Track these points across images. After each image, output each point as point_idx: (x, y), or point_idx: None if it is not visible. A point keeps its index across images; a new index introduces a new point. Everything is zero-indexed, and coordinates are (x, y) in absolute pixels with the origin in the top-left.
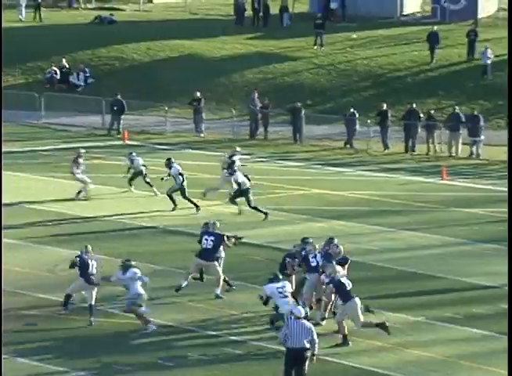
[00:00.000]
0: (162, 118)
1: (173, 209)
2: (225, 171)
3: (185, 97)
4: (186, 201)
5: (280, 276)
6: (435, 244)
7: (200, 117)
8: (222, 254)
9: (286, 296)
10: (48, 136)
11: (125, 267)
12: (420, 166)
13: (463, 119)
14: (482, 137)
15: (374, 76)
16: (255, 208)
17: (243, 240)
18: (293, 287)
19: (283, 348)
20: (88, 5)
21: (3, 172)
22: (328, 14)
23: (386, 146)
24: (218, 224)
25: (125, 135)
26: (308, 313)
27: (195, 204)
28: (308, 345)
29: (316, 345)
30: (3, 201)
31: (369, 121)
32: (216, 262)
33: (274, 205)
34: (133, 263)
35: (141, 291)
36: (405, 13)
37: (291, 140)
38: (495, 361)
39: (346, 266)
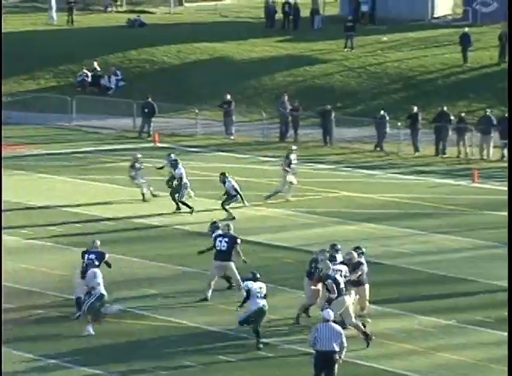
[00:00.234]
0: (192, 121)
1: (191, 212)
2: (283, 169)
3: (215, 100)
4: (173, 201)
5: (258, 276)
6: (466, 247)
7: (230, 120)
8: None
9: (261, 297)
10: (79, 139)
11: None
12: (450, 169)
13: (495, 122)
14: None
15: (405, 78)
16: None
17: (275, 243)
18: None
19: (313, 351)
20: (119, 8)
21: (35, 175)
22: (359, 17)
23: (416, 149)
24: (231, 226)
25: (156, 138)
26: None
27: (177, 207)
28: (337, 348)
29: (344, 349)
30: (36, 203)
31: (399, 124)
32: (233, 263)
33: (304, 208)
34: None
35: (103, 291)
36: (436, 16)
37: (321, 143)
38: None
39: (359, 271)
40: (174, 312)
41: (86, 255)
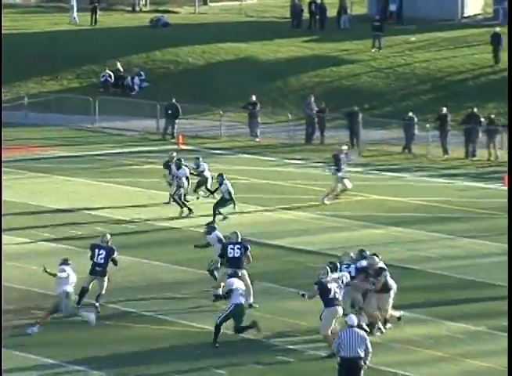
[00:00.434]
0: (217, 122)
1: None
2: (334, 169)
3: (240, 101)
4: (174, 202)
5: (240, 274)
6: (495, 251)
7: (256, 122)
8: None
9: (242, 294)
10: (101, 140)
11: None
12: (480, 172)
13: None
14: None
15: (433, 79)
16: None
17: (299, 247)
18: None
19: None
20: (144, 8)
21: (57, 177)
22: (387, 16)
23: (445, 151)
24: (239, 234)
25: (180, 140)
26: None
27: (182, 207)
28: (362, 354)
29: (370, 354)
30: (56, 206)
31: (428, 126)
32: (245, 270)
33: (332, 211)
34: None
35: (69, 289)
36: (466, 15)
37: (348, 145)
38: None
39: (382, 277)
40: (198, 317)
41: (96, 250)
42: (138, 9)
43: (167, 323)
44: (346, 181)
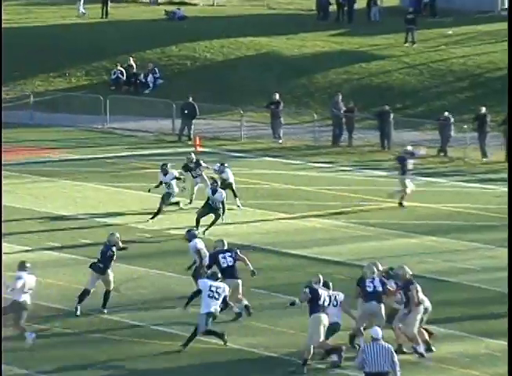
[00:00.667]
0: (237, 123)
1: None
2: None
3: (262, 100)
4: (158, 208)
5: (219, 276)
6: None
7: (278, 122)
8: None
9: (215, 298)
10: (113, 142)
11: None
12: None
13: None
14: None
15: (471, 76)
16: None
17: (324, 257)
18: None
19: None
20: (159, 0)
21: (64, 182)
22: (421, 8)
23: (484, 154)
24: (225, 242)
25: (197, 142)
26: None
27: (155, 214)
28: (388, 369)
29: (397, 368)
30: (64, 213)
31: (465, 127)
32: (240, 280)
33: (359, 219)
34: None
35: (24, 298)
36: (505, 7)
37: (378, 147)
38: None
39: (413, 289)
40: None
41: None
42: (153, 0)
43: (181, 339)
44: (410, 183)
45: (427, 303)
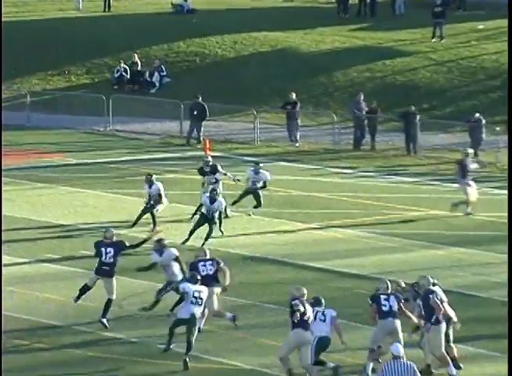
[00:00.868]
0: (250, 125)
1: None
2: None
3: (277, 100)
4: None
5: (199, 277)
6: None
7: (295, 124)
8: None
9: (198, 303)
10: (116, 146)
11: None
12: None
13: None
14: None
15: (505, 74)
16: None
17: (345, 270)
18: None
19: None
20: None
21: (64, 189)
22: (449, 0)
23: None
24: (208, 252)
25: (207, 145)
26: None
27: (134, 223)
28: None
29: None
30: (63, 222)
31: (497, 129)
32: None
33: (383, 229)
34: None
35: None
36: None
37: (404, 151)
38: None
39: (434, 302)
40: (227, 353)
41: (103, 249)
42: None
43: (191, 359)
44: (472, 190)
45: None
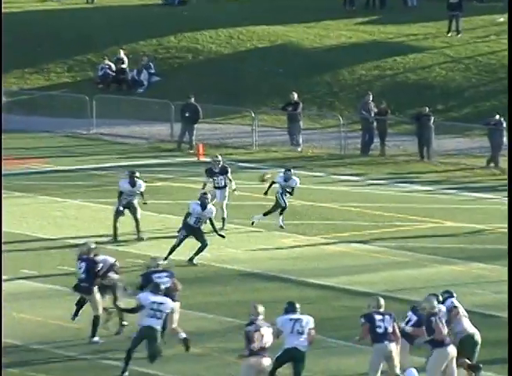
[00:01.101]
0: (247, 127)
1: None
2: None
3: (277, 100)
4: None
5: (162, 288)
6: None
7: (297, 127)
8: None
9: (156, 317)
10: (100, 151)
11: None
12: None
13: None
14: None
15: None
16: None
17: (353, 288)
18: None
19: None
20: None
21: (43, 198)
22: None
23: None
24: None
25: (200, 150)
26: None
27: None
28: None
29: None
30: (44, 235)
31: None
32: (178, 303)
33: (395, 242)
34: None
35: None
36: None
37: (416, 157)
38: None
39: (433, 323)
40: None
41: (77, 263)
42: None
43: None
44: None
45: (477, 336)
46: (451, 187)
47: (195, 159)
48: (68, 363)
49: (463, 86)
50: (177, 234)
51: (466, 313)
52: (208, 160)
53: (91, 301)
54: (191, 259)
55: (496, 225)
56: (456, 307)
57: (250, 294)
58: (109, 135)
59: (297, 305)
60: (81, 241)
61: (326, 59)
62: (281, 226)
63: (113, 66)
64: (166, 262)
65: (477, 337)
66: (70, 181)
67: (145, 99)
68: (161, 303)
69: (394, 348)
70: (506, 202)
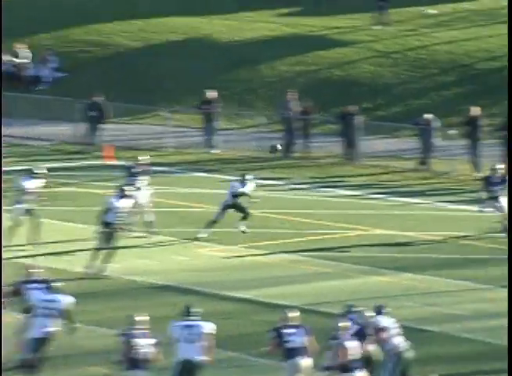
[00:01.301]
0: (159, 128)
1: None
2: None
3: (192, 98)
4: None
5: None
6: None
7: (213, 127)
8: None
9: (50, 315)
10: None
11: None
12: None
13: None
14: None
15: (460, 68)
16: None
17: (275, 301)
18: None
19: None
20: None
21: None
22: None
23: (477, 168)
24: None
25: (107, 152)
26: None
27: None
28: None
29: None
30: None
31: (452, 133)
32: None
33: (317, 252)
34: None
35: None
36: None
37: (342, 159)
38: None
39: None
40: None
41: (26, 285)
42: None
43: None
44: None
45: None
46: (379, 192)
47: (101, 161)
48: None
49: (392, 83)
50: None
51: (397, 328)
52: (117, 162)
53: None
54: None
55: (427, 232)
56: (381, 329)
57: (163, 308)
58: (7, 137)
59: (195, 310)
60: None
61: (245, 54)
62: (243, 231)
63: (10, 61)
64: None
65: (409, 354)
66: None
67: (46, 97)
68: (54, 300)
69: (308, 363)
70: (438, 207)
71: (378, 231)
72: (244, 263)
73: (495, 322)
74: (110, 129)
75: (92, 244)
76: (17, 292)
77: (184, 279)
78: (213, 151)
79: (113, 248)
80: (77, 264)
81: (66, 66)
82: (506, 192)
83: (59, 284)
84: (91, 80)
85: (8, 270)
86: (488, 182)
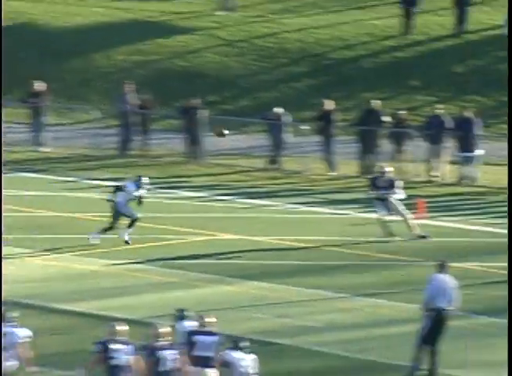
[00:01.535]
0: None
1: None
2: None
3: (17, 91)
4: None
5: None
6: (405, 317)
7: (42, 122)
8: None
9: None
10: None
11: None
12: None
13: (449, 125)
14: (478, 152)
15: (312, 57)
16: None
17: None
18: None
19: None
20: None
21: None
22: None
23: (331, 166)
24: None
25: None
26: None
27: None
28: None
29: None
30: None
31: (304, 128)
32: None
33: (160, 259)
34: None
35: None
36: None
37: (185, 157)
38: None
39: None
40: None
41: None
42: None
43: None
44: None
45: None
46: (226, 193)
47: None
48: None
49: (239, 74)
50: None
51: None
52: None
53: None
54: None
55: (277, 236)
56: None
57: None
58: None
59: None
60: None
61: (76, 42)
62: (126, 241)
63: None
64: None
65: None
66: None
67: None
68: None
69: None
70: (289, 209)
71: (225, 236)
72: (77, 272)
73: (351, 334)
74: None
75: None
76: None
77: (11, 291)
78: (41, 149)
79: None
80: None
81: None
82: (395, 196)
83: None
84: None
85: None
86: (374, 184)
